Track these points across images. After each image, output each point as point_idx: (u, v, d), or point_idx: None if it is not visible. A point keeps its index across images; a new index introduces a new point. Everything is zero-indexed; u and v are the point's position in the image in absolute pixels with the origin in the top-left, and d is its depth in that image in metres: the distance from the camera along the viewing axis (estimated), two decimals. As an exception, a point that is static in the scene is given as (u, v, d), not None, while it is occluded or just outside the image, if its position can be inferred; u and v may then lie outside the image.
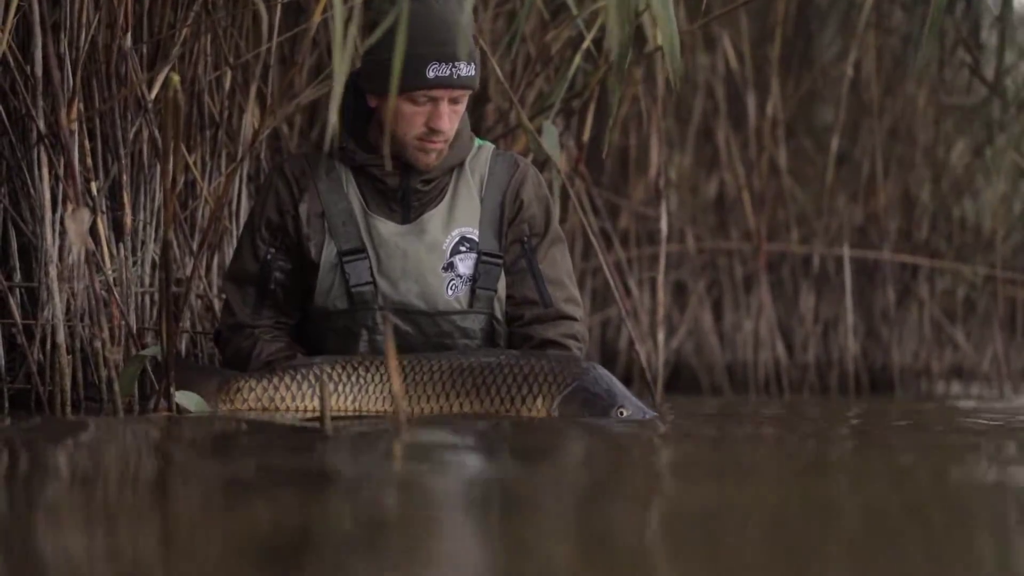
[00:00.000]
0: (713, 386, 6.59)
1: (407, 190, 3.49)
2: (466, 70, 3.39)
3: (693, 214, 6.77)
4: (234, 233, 4.19)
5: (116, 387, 3.40)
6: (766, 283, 6.70)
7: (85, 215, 3.30)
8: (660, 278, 5.01)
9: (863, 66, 6.83)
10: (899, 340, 7.16)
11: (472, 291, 3.51)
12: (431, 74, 3.36)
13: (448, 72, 3.37)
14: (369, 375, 3.45)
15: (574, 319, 3.60)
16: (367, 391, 3.46)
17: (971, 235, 7.36)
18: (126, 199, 3.89)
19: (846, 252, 6.84)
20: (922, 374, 7.22)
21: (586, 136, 4.80)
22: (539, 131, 4.23)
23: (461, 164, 3.54)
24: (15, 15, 3.57)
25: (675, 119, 6.61)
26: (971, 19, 6.81)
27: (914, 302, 7.19)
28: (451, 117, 3.42)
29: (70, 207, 3.39)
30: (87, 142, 3.81)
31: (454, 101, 3.42)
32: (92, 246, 3.45)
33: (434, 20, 3.36)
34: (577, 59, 4.24)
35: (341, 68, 2.78)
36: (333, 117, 2.90)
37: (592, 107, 4.72)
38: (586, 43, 4.30)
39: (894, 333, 7.14)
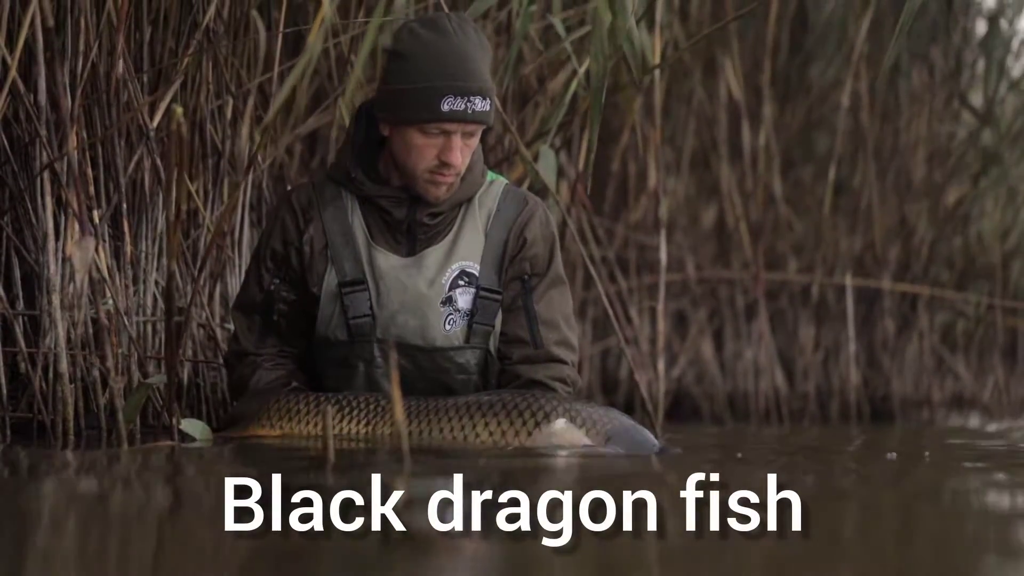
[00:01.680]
0: (714, 415, 6.60)
1: (413, 223, 3.47)
2: (481, 105, 3.36)
3: (694, 243, 6.78)
4: (236, 262, 4.21)
5: (120, 416, 3.41)
6: (765, 312, 6.71)
7: (89, 243, 3.31)
8: (660, 307, 5.02)
9: (857, 96, 6.86)
10: (899, 370, 7.17)
11: (469, 326, 3.49)
12: (445, 107, 3.33)
13: (463, 106, 3.33)
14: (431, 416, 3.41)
15: (564, 363, 3.54)
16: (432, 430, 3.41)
17: (970, 264, 7.37)
18: (126, 227, 3.90)
19: (849, 281, 6.85)
20: (923, 404, 7.23)
21: (582, 164, 4.82)
22: (536, 156, 4.24)
23: (470, 199, 3.52)
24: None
25: (673, 147, 6.63)
26: (956, 48, 6.85)
27: (914, 332, 7.20)
28: (463, 151, 3.39)
29: (75, 235, 3.40)
30: (89, 170, 3.84)
31: (467, 135, 3.39)
32: (96, 274, 3.46)
33: (450, 52, 3.34)
34: (574, 85, 4.26)
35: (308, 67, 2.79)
36: (281, 96, 2.89)
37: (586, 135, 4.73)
38: (581, 70, 4.31)
39: (894, 363, 7.15)
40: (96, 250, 3.82)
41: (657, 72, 4.74)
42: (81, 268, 3.33)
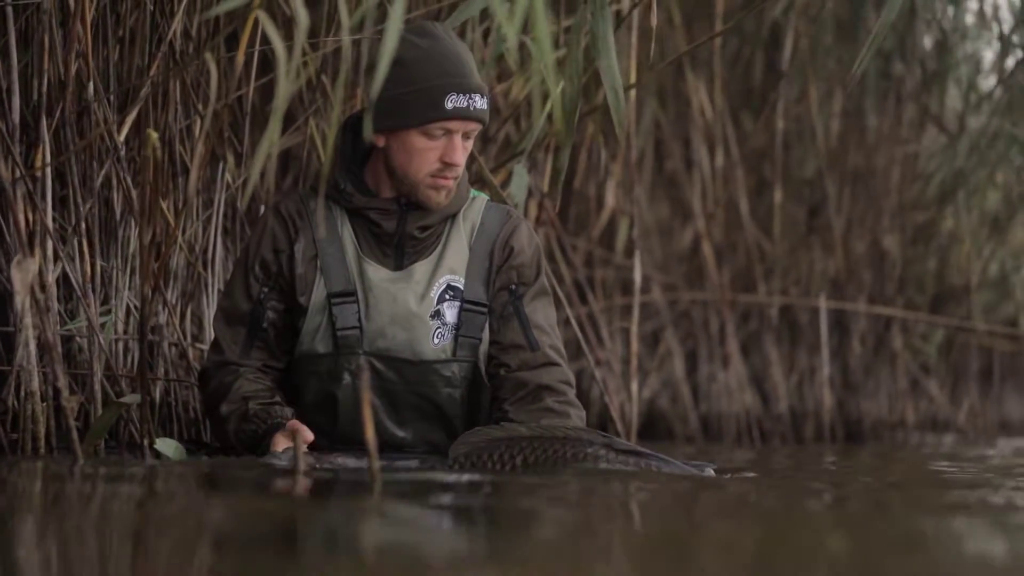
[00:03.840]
0: (687, 436, 6.62)
1: (403, 236, 3.48)
2: (480, 103, 3.39)
3: (668, 265, 6.81)
4: (210, 281, 4.22)
5: (74, 435, 3.41)
6: (734, 334, 6.73)
7: (30, 264, 3.32)
8: (634, 329, 5.04)
9: (824, 116, 6.91)
10: (873, 392, 7.19)
11: (456, 339, 3.49)
12: (449, 105, 3.35)
13: (465, 104, 3.36)
14: None
15: (560, 365, 3.55)
16: None
17: (944, 287, 7.41)
18: (84, 246, 3.90)
19: (822, 304, 6.88)
20: (897, 426, 7.25)
21: (545, 186, 4.83)
22: (509, 176, 4.25)
23: (455, 214, 3.53)
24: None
25: (642, 167, 6.65)
26: (919, 65, 6.90)
27: (888, 354, 7.23)
28: (463, 153, 3.41)
29: (16, 256, 3.40)
30: (65, 189, 3.84)
31: (467, 136, 3.41)
32: (40, 295, 3.46)
33: (447, 53, 3.37)
34: (548, 106, 4.27)
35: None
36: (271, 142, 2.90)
37: (550, 156, 4.75)
38: (556, 90, 4.32)
39: (868, 385, 7.18)
40: (67, 268, 3.84)
41: (633, 95, 4.78)
42: (22, 289, 3.33)
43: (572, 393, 3.54)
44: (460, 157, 3.40)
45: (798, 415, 6.95)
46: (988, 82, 7.35)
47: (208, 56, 3.51)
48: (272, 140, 2.95)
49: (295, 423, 3.38)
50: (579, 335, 4.75)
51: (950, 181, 7.12)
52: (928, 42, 6.95)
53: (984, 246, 7.37)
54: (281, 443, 3.36)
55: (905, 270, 7.27)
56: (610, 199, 6.27)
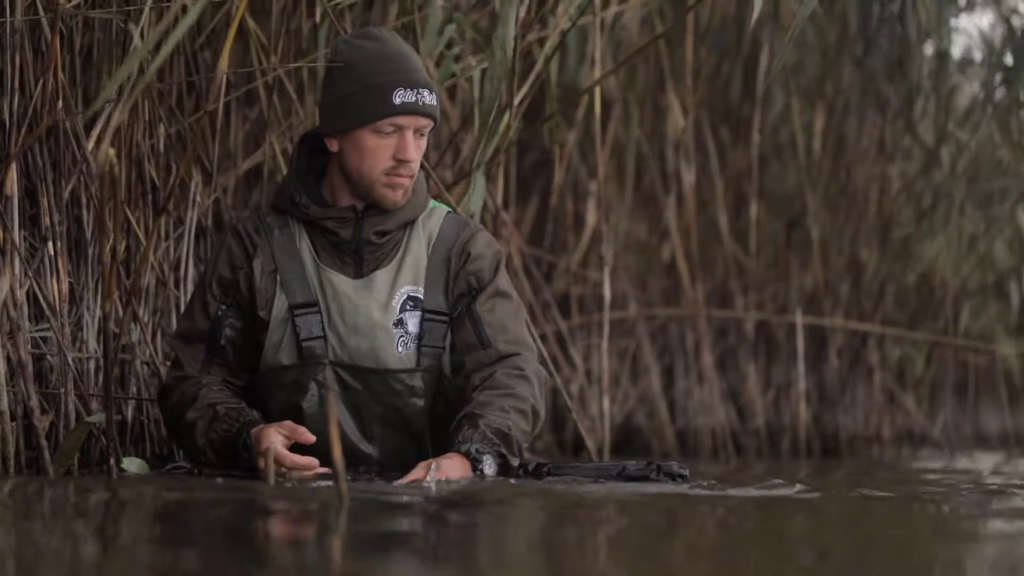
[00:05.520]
0: (663, 452, 6.61)
1: (360, 242, 3.48)
2: (429, 98, 3.41)
3: (644, 280, 6.81)
4: (182, 302, 4.21)
5: (46, 453, 3.40)
6: (708, 350, 6.74)
7: (1, 284, 3.31)
8: (604, 345, 5.03)
9: (808, 132, 6.93)
10: (850, 406, 7.20)
11: (419, 349, 3.48)
12: (397, 100, 3.37)
13: (414, 99, 3.38)
14: None
15: (518, 355, 3.46)
16: None
17: (921, 302, 7.42)
18: (58, 263, 3.89)
19: (799, 319, 6.89)
20: (873, 440, 7.26)
21: (500, 198, 4.83)
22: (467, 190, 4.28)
23: (414, 222, 3.53)
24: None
25: (619, 183, 6.66)
26: (907, 85, 6.91)
27: (864, 368, 7.24)
28: (416, 150, 3.42)
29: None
30: (35, 207, 3.84)
31: (419, 134, 3.42)
32: (13, 313, 3.45)
33: (392, 53, 3.41)
34: (506, 118, 4.28)
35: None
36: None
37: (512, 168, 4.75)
38: (517, 99, 4.33)
39: (845, 399, 7.19)
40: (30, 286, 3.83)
41: (598, 106, 4.79)
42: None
43: (529, 368, 3.43)
44: (412, 153, 3.41)
45: (774, 429, 6.95)
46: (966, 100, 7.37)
47: (132, 26, 3.50)
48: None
49: (290, 423, 3.35)
50: (549, 352, 4.74)
51: (930, 198, 7.14)
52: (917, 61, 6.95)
53: (962, 262, 7.39)
54: (274, 436, 3.31)
55: (882, 285, 7.28)
56: (591, 217, 6.27)
